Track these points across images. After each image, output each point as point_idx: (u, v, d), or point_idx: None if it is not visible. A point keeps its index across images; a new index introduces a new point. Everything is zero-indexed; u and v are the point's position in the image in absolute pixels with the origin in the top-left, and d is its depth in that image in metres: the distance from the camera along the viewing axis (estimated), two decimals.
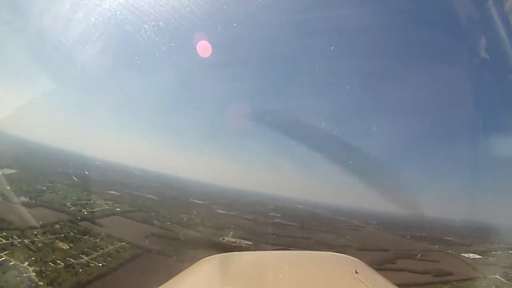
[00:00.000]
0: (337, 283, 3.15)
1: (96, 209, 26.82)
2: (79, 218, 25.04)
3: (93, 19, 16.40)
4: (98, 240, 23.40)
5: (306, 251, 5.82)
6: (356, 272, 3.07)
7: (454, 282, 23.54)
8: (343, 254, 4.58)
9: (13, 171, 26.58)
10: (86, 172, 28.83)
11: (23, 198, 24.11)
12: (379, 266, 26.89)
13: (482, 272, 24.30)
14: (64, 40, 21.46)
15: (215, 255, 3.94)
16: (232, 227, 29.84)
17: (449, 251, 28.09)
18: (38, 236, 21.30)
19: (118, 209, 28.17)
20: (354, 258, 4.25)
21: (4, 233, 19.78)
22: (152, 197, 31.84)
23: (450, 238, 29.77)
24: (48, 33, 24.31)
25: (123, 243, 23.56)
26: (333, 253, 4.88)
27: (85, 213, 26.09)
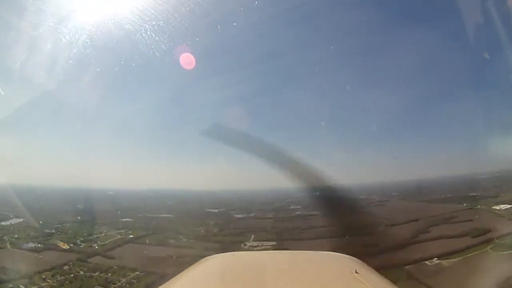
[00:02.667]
0: (337, 283, 3.05)
1: (107, 241, 26.26)
2: (89, 254, 24.48)
3: None
4: (109, 274, 22.69)
5: (306, 251, 5.53)
6: (356, 272, 2.99)
7: (496, 240, 23.04)
8: (342, 254, 4.36)
9: (21, 219, 25.91)
10: (96, 205, 28.30)
11: (31, 244, 23.70)
12: (414, 239, 26.47)
13: None
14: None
15: (215, 255, 4.00)
16: (253, 230, 29.11)
17: (478, 206, 27.67)
18: (47, 280, 20.75)
19: (131, 236, 27.45)
20: (354, 258, 4.02)
21: (10, 285, 19.10)
22: (167, 215, 31.30)
23: (475, 194, 29.35)
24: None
25: (136, 273, 22.80)
26: (333, 253, 4.72)
27: (96, 247, 25.60)
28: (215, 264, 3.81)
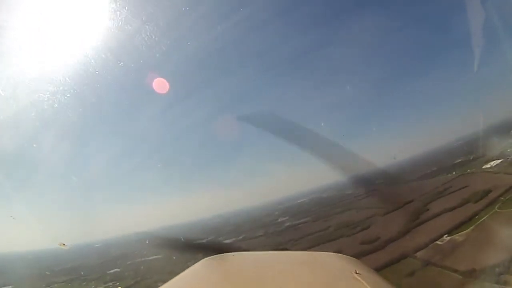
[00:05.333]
0: (337, 284, 2.97)
1: None
2: None
3: None
4: None
5: (306, 252, 5.86)
6: (357, 273, 2.93)
7: (501, 197, 20.85)
8: (342, 255, 4.05)
9: (10, 286, 25.01)
10: (84, 261, 29.05)
11: None
12: (416, 221, 23.85)
13: None
14: None
15: (215, 255, 3.91)
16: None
17: (468, 171, 25.80)
18: None
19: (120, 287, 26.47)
20: (353, 258, 3.85)
21: None
22: (156, 257, 29.77)
23: (460, 160, 27.65)
24: None
25: None
26: (333, 253, 4.37)
27: None
28: (215, 265, 3.76)
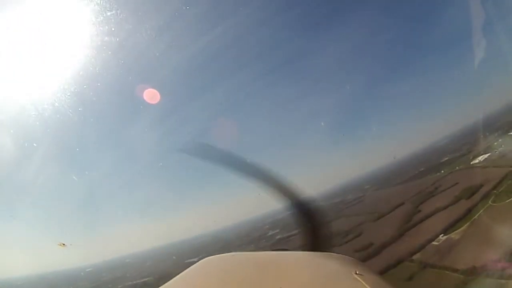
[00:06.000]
0: (337, 284, 2.91)
1: None
2: None
3: None
4: None
5: (306, 252, 4.99)
6: (357, 273, 2.86)
7: (494, 191, 20.02)
8: (342, 255, 3.88)
9: None
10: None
11: None
12: (409, 224, 22.78)
13: (504, 163, 21.59)
14: None
15: (215, 256, 3.90)
16: None
17: (457, 168, 25.10)
18: None
19: None
20: (353, 258, 3.73)
21: None
22: (147, 279, 29.65)
23: (447, 158, 27.04)
24: None
25: None
26: (333, 253, 4.28)
27: None
28: (214, 265, 3.79)
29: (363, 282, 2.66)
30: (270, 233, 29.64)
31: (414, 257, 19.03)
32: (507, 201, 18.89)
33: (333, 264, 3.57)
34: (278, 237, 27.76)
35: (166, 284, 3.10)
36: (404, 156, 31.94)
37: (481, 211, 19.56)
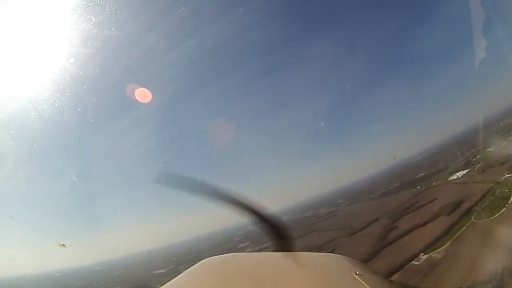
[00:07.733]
0: (338, 285, 2.82)
1: None
2: None
3: None
4: None
5: (306, 253, 4.37)
6: (357, 273, 2.79)
7: (475, 207, 18.71)
8: (342, 256, 3.64)
9: None
10: None
11: None
12: (385, 241, 20.90)
13: (484, 178, 20.53)
14: None
15: (215, 256, 3.83)
16: None
17: (434, 184, 23.90)
18: None
19: None
20: (354, 259, 3.47)
21: None
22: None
23: (423, 174, 25.90)
24: None
25: None
26: (333, 254, 4.51)
27: None
28: (214, 266, 3.62)
29: (363, 282, 2.60)
30: (240, 246, 28.37)
31: (393, 277, 16.95)
32: (490, 218, 17.57)
33: (333, 264, 3.51)
34: (248, 250, 25.43)
35: (166, 284, 2.97)
36: (378, 171, 30.77)
37: (464, 228, 18.10)
